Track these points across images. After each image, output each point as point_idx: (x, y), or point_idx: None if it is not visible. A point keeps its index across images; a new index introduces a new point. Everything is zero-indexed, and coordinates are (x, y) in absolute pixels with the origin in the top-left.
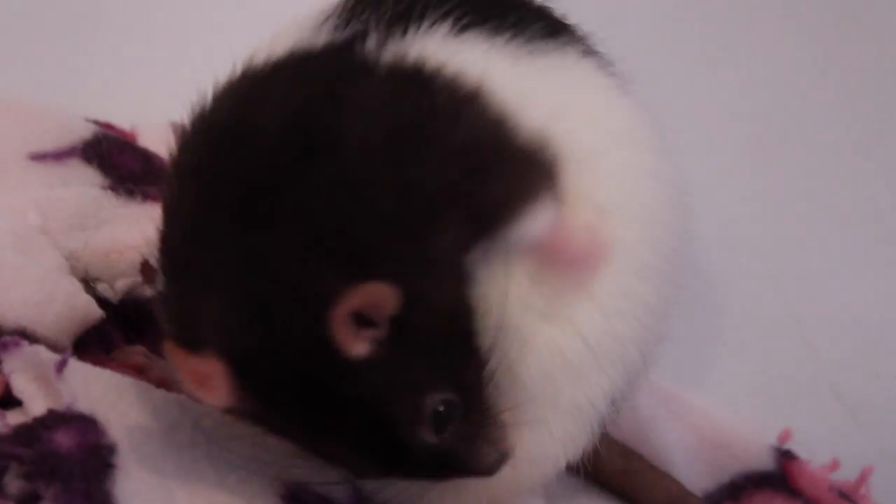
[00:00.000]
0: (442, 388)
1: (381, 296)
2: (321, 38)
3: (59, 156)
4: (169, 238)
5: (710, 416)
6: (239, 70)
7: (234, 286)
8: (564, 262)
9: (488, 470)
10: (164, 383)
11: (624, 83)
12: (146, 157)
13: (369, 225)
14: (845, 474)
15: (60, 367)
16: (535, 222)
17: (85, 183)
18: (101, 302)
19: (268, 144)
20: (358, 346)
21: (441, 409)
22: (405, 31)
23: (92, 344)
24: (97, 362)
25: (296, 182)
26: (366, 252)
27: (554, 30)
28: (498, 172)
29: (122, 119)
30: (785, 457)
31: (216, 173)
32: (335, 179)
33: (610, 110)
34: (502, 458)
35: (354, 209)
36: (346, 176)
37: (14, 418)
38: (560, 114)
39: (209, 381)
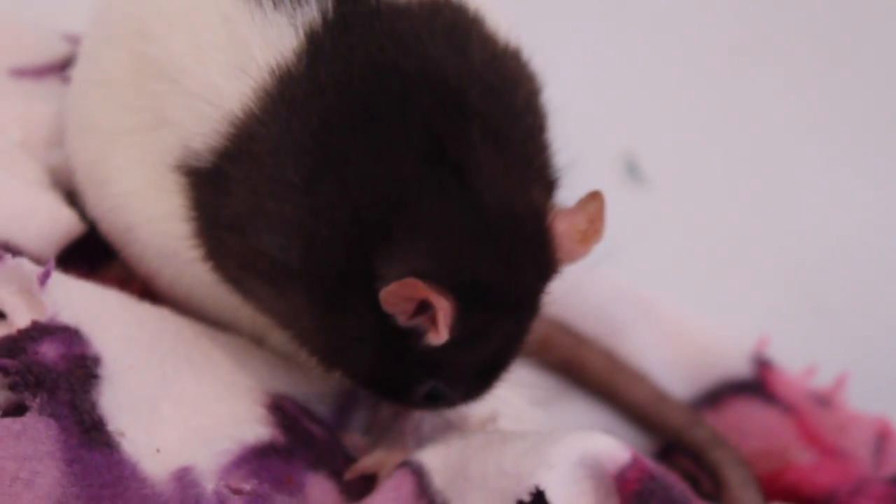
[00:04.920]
0: None
1: None
2: None
3: (38, 73)
4: None
5: (687, 325)
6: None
7: None
8: None
9: None
10: (147, 294)
11: None
12: None
13: None
14: (822, 380)
15: (43, 278)
16: None
17: (61, 101)
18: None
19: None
20: None
21: None
22: None
23: (76, 258)
24: (81, 276)
25: None
26: None
27: None
28: None
29: None
30: (762, 364)
31: None
32: None
33: None
34: None
35: None
36: None
37: None
38: None
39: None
